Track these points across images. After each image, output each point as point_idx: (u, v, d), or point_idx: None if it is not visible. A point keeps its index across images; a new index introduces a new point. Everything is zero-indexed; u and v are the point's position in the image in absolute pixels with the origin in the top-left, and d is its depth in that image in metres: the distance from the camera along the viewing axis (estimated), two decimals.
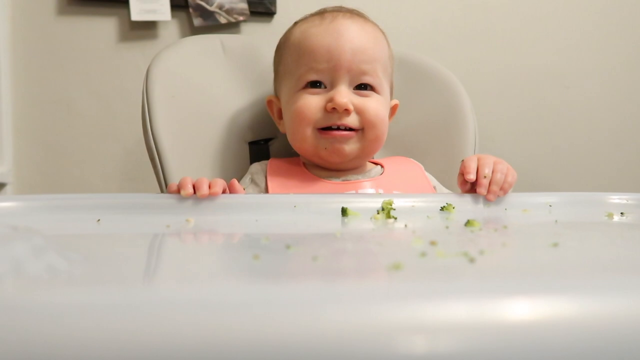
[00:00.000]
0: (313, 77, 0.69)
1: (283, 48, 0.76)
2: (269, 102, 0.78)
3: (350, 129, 0.69)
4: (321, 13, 0.74)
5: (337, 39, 0.69)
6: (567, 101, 1.30)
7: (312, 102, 0.68)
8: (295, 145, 0.73)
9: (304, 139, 0.69)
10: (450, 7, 1.24)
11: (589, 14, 1.30)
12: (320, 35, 0.70)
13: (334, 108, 0.67)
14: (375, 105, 0.70)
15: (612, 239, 0.44)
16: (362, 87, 0.70)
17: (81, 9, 1.10)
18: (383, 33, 0.76)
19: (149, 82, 0.77)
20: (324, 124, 0.68)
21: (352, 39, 0.69)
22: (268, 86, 0.84)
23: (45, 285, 0.25)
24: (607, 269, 0.31)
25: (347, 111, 0.68)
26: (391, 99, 0.78)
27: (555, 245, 0.36)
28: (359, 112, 0.69)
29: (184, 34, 1.12)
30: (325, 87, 0.69)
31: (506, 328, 0.21)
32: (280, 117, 0.77)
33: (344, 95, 0.68)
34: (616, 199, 0.61)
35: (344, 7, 0.76)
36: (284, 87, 0.74)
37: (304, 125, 0.69)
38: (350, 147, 0.69)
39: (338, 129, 0.69)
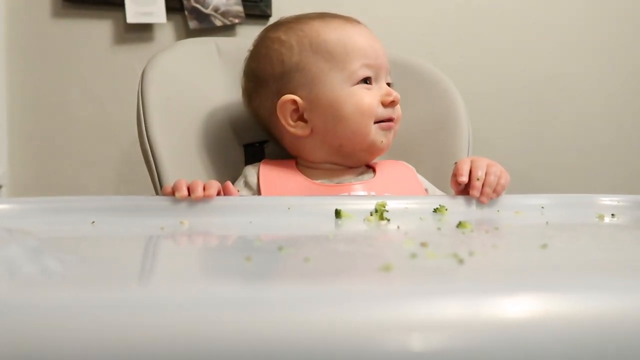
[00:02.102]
0: (367, 73, 0.72)
1: (308, 44, 0.73)
2: (284, 104, 0.72)
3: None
4: (336, 17, 0.76)
5: (375, 40, 0.75)
6: (561, 103, 1.31)
7: (370, 97, 0.72)
8: (354, 138, 0.72)
9: (367, 132, 0.72)
10: (445, 10, 1.25)
11: (583, 16, 1.31)
12: (362, 35, 0.74)
13: (392, 101, 0.72)
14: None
15: (601, 240, 0.45)
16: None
17: (76, 11, 1.10)
18: None
19: (144, 84, 0.78)
20: (383, 117, 0.72)
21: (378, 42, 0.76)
22: None
23: (39, 287, 0.26)
24: (592, 270, 0.31)
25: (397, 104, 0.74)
26: None
27: (544, 246, 0.37)
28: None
29: (179, 37, 1.13)
30: (372, 83, 0.73)
31: (490, 327, 0.22)
32: (300, 118, 0.73)
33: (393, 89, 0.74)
34: (607, 200, 0.61)
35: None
36: (321, 85, 0.71)
37: (369, 118, 0.71)
38: (392, 138, 0.75)
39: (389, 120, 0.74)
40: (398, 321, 0.21)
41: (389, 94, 0.72)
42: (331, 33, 0.73)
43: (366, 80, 0.72)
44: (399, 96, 0.73)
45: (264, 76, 0.75)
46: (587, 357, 0.23)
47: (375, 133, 0.72)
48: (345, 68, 0.71)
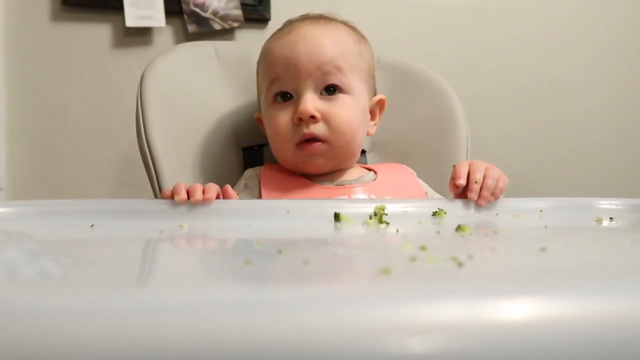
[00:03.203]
0: (277, 88, 0.69)
1: (257, 65, 0.77)
2: (258, 120, 0.78)
3: (319, 140, 0.68)
4: (286, 25, 0.75)
5: (293, 47, 0.69)
6: (560, 106, 1.31)
7: (283, 118, 0.69)
8: (279, 159, 0.74)
9: (284, 154, 0.71)
10: (443, 13, 1.25)
11: (581, 18, 1.31)
12: (278, 47, 0.71)
13: (300, 118, 0.67)
14: (341, 109, 0.69)
15: (599, 243, 0.45)
16: (331, 89, 0.69)
17: (76, 15, 1.10)
18: (353, 30, 0.75)
19: (143, 88, 0.78)
20: (299, 139, 0.68)
21: (308, 44, 0.69)
22: None
23: (37, 290, 0.25)
24: (590, 273, 0.31)
25: (313, 118, 0.67)
26: (374, 95, 0.78)
27: (543, 250, 0.37)
28: (325, 120, 0.68)
29: (178, 40, 1.13)
30: (293, 98, 0.69)
31: (489, 330, 0.22)
32: None
33: (308, 102, 0.67)
34: (606, 204, 0.61)
35: (311, 14, 0.76)
36: (261, 104, 0.76)
37: (281, 142, 0.70)
38: (322, 159, 0.70)
39: (312, 140, 0.68)
40: (397, 324, 0.21)
41: (295, 111, 0.67)
42: (263, 51, 0.74)
43: (286, 96, 0.69)
44: (308, 111, 0.66)
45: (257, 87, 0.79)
46: (587, 358, 0.23)
47: (295, 154, 0.69)
48: (263, 87, 0.72)
